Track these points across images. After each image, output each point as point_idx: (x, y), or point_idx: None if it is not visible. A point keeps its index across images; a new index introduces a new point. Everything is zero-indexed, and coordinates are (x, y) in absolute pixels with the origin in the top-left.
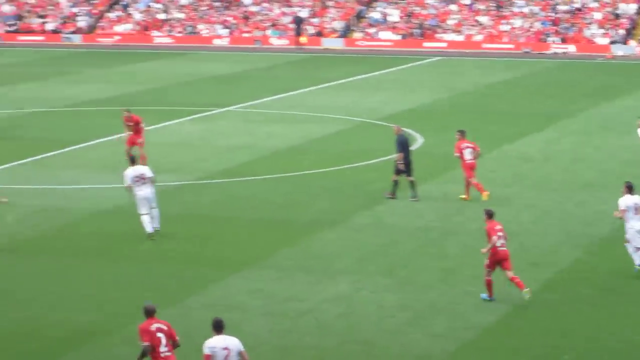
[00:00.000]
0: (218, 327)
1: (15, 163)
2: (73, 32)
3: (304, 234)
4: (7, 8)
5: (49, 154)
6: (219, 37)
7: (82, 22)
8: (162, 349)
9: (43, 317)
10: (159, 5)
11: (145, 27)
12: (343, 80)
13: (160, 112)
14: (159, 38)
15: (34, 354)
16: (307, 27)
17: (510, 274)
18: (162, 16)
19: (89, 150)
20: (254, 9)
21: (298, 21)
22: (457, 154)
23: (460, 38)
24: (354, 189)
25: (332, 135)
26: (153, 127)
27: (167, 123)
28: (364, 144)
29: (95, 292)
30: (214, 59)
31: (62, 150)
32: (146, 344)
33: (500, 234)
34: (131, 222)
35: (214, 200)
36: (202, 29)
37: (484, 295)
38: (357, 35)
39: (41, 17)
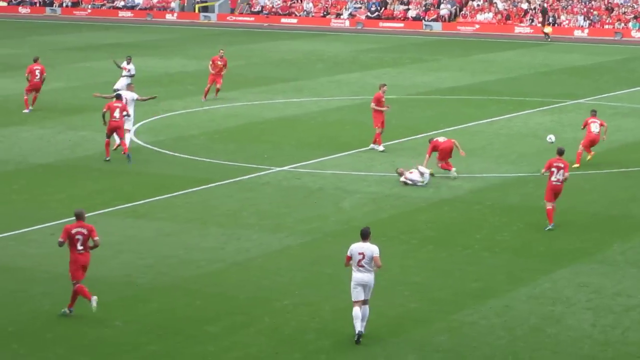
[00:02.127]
0: (363, 235)
1: (361, 149)
2: (434, 20)
3: (639, 230)
4: None
5: (395, 141)
6: (580, 28)
7: (444, 10)
8: (79, 247)
9: (369, 303)
10: None
11: (507, 17)
12: None
13: (511, 102)
14: (519, 28)
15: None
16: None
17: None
18: (524, 6)
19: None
20: (618, 0)
21: (544, 12)
22: None
23: None
24: None
25: None
26: (502, 117)
27: (517, 114)
28: None
29: (423, 280)
30: (572, 50)
31: (412, 138)
32: (60, 240)
33: (554, 169)
34: (469, 211)
35: None
36: (564, 20)
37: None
38: None
39: (404, 4)
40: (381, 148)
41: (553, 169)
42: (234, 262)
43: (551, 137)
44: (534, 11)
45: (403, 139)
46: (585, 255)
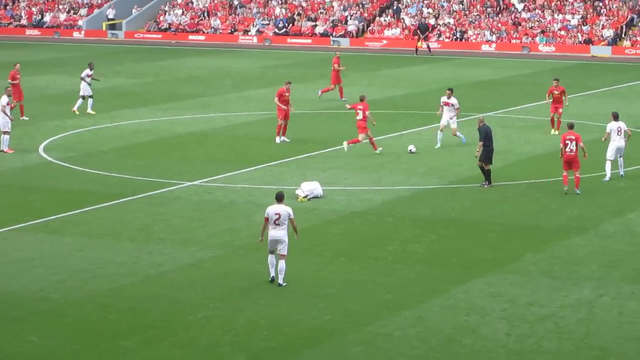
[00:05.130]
0: (278, 198)
1: (271, 163)
2: (342, 36)
3: (551, 240)
4: (279, 11)
5: (305, 155)
6: (488, 43)
7: (352, 26)
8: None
9: (283, 315)
10: (430, 10)
11: (415, 32)
12: (607, 88)
13: (420, 116)
14: (427, 43)
15: (271, 352)
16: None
17: (577, 174)
18: (432, 21)
19: (349, 152)
20: (525, 15)
21: (423, 28)
22: None
23: None
24: (606, 196)
25: (590, 143)
26: (411, 131)
27: (425, 127)
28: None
29: (337, 292)
30: (479, 65)
31: (322, 151)
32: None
33: (568, 142)
34: (381, 223)
35: (464, 205)
36: (471, 35)
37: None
38: (626, 43)
39: (312, 20)
40: (281, 139)
41: (567, 142)
42: (146, 276)
43: (411, 148)
44: (441, 27)
45: (313, 153)
46: (499, 266)
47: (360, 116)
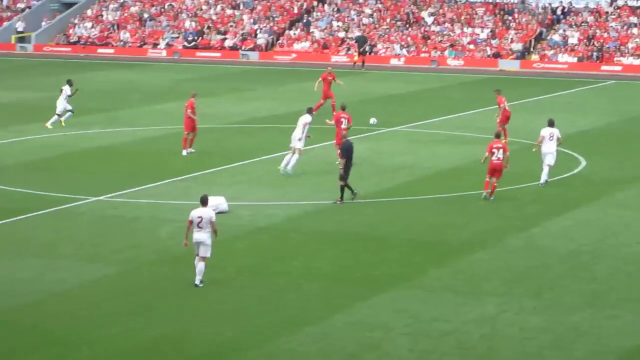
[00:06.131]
0: (202, 201)
1: (178, 178)
2: (251, 49)
3: (455, 255)
4: (189, 24)
5: (213, 170)
6: (397, 56)
7: (261, 39)
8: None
9: (185, 333)
10: (340, 24)
11: (324, 45)
12: (515, 102)
13: (325, 130)
14: (336, 57)
15: None
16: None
17: (494, 180)
18: (341, 35)
19: (255, 167)
20: (434, 28)
21: (361, 41)
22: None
23: (638, 62)
24: (512, 210)
25: None
26: (318, 145)
27: (333, 142)
28: (523, 166)
29: (240, 308)
30: (388, 79)
31: (228, 166)
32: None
33: (495, 150)
34: (285, 239)
35: (371, 220)
36: (381, 48)
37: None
38: (534, 57)
39: (221, 33)
40: (188, 152)
41: (494, 150)
42: (51, 293)
43: (373, 120)
44: (351, 40)
45: (219, 168)
46: (403, 281)
47: (344, 125)
